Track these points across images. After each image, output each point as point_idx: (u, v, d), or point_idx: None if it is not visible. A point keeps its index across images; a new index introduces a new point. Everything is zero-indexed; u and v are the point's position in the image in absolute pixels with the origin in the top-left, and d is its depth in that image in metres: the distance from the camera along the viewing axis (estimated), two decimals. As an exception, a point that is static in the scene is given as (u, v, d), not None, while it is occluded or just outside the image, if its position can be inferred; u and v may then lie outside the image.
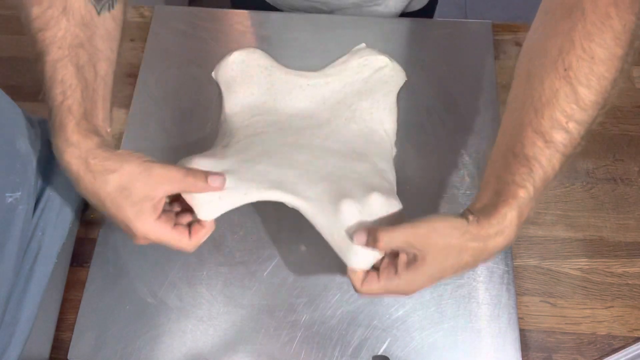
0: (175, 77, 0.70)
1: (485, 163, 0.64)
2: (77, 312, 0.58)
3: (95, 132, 0.48)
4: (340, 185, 0.50)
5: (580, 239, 0.62)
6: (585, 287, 0.59)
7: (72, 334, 0.57)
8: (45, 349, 0.56)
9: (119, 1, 0.52)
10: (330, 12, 0.80)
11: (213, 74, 0.70)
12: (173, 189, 0.46)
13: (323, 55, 0.72)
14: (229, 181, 0.47)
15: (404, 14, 0.83)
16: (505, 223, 0.44)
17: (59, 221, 0.54)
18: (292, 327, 0.56)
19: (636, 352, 0.56)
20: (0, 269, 0.46)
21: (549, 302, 0.59)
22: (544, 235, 0.62)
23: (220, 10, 0.77)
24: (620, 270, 0.60)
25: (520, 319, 0.57)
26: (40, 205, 0.52)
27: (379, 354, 0.55)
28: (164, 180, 0.45)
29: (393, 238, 0.44)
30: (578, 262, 0.61)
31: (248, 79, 0.68)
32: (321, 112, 0.65)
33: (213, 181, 0.46)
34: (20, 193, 0.48)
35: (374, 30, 0.74)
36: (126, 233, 0.47)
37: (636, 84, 0.71)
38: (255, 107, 0.66)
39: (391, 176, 0.59)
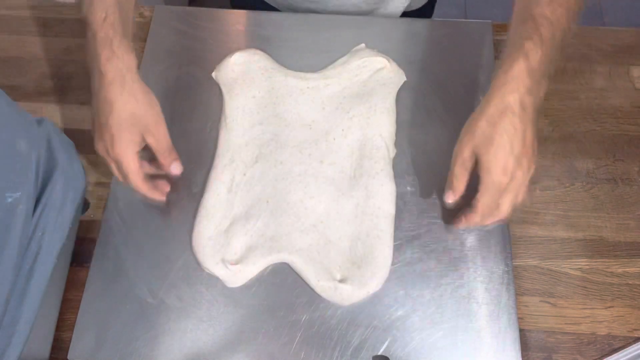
0: (175, 77, 0.70)
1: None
2: (77, 312, 0.58)
3: (133, 50, 0.56)
4: (326, 235, 0.59)
5: (580, 239, 0.62)
6: (585, 287, 0.59)
7: (72, 334, 0.57)
8: (45, 349, 0.56)
9: None
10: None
11: (213, 74, 0.70)
12: (156, 149, 0.57)
13: (323, 55, 0.72)
14: (242, 250, 0.59)
15: (403, 14, 0.83)
16: (513, 73, 0.50)
17: (59, 221, 0.54)
18: (292, 327, 0.56)
19: (636, 352, 0.56)
20: (0, 269, 0.46)
21: (549, 302, 0.59)
22: (544, 235, 0.62)
23: (220, 10, 0.77)
24: (620, 270, 0.60)
25: (520, 319, 0.57)
26: (40, 205, 0.52)
27: (379, 354, 0.55)
28: (161, 138, 0.57)
29: (457, 170, 0.54)
30: (578, 262, 0.61)
31: (249, 81, 0.68)
32: (320, 121, 0.66)
33: (173, 168, 0.59)
34: (20, 193, 0.48)
35: (374, 30, 0.74)
36: (98, 150, 0.55)
37: (636, 84, 0.71)
38: (256, 114, 0.66)
39: (387, 188, 0.61)
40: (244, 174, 0.63)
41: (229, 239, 0.59)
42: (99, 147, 0.56)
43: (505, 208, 0.52)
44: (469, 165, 0.53)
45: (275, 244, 0.59)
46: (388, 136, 0.64)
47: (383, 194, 0.60)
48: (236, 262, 0.58)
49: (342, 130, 0.65)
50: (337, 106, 0.67)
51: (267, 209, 0.61)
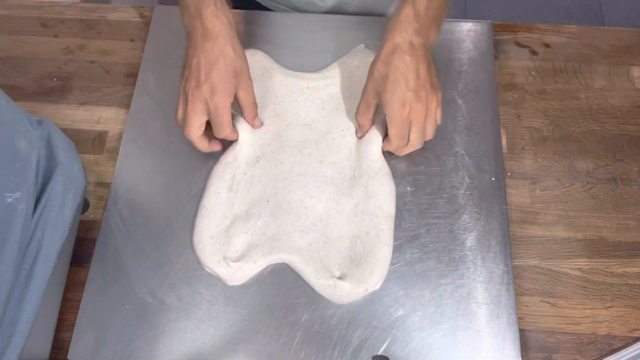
0: (175, 77, 0.70)
1: (486, 162, 0.64)
2: (77, 312, 0.58)
3: (230, 9, 0.62)
4: (325, 234, 0.60)
5: (580, 239, 0.62)
6: (585, 287, 0.59)
7: (72, 334, 0.57)
8: (45, 349, 0.56)
9: None
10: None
11: None
12: (244, 103, 0.62)
13: (323, 55, 0.72)
14: (243, 248, 0.59)
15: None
16: (400, 17, 0.57)
17: (59, 221, 0.54)
18: (292, 327, 0.56)
19: (636, 352, 0.56)
20: (0, 269, 0.46)
21: (549, 302, 0.59)
22: (544, 235, 0.62)
23: (220, 10, 0.77)
24: (620, 270, 0.60)
25: (520, 319, 0.57)
26: (40, 205, 0.52)
27: (379, 354, 0.55)
28: (250, 93, 0.62)
29: (362, 112, 0.62)
30: (578, 262, 0.61)
31: None
32: (320, 121, 0.66)
33: (257, 121, 0.65)
34: (20, 193, 0.48)
35: (374, 30, 0.73)
36: (194, 97, 0.58)
37: (636, 84, 0.71)
38: (258, 113, 0.66)
39: (387, 188, 0.62)
40: (245, 173, 0.63)
41: (229, 237, 0.59)
42: (195, 96, 0.58)
43: (414, 139, 0.59)
44: (372, 104, 0.60)
45: (276, 243, 0.59)
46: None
47: (383, 193, 0.60)
48: (237, 260, 0.58)
49: (342, 130, 0.65)
50: (336, 106, 0.67)
51: (267, 208, 0.61)
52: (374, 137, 0.63)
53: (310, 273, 0.57)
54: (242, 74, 0.60)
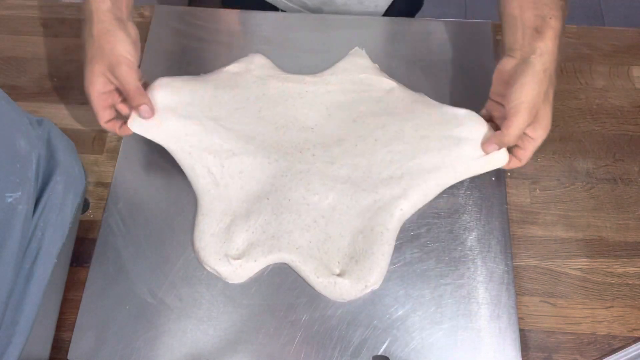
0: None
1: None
2: (77, 312, 0.58)
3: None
4: (326, 231, 0.60)
5: (580, 239, 0.62)
6: (585, 287, 0.59)
7: (72, 334, 0.57)
8: (45, 349, 0.56)
9: None
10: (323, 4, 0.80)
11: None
12: (122, 90, 0.59)
13: (323, 55, 0.71)
14: (243, 245, 0.59)
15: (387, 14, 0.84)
16: (547, 49, 0.55)
17: (59, 221, 0.54)
18: (292, 327, 0.56)
19: (636, 352, 0.56)
20: (0, 269, 0.46)
21: (549, 302, 0.59)
22: (544, 235, 0.62)
23: (220, 10, 0.77)
24: (620, 270, 0.60)
25: (520, 319, 0.57)
26: (40, 205, 0.52)
27: (379, 354, 0.55)
28: (124, 79, 0.58)
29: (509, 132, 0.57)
30: (578, 262, 0.61)
31: (243, 86, 0.67)
32: (326, 126, 0.65)
33: (142, 111, 0.60)
34: (20, 193, 0.48)
35: (374, 30, 0.74)
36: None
37: (636, 84, 0.71)
38: (237, 115, 0.65)
39: (424, 196, 0.61)
40: (222, 166, 0.62)
41: (230, 235, 0.59)
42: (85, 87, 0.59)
43: (527, 155, 0.58)
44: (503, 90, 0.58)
45: (276, 242, 0.59)
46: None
47: (415, 202, 0.60)
48: (238, 257, 0.58)
49: (375, 140, 0.63)
50: (354, 118, 0.65)
51: (267, 206, 0.61)
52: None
53: (310, 271, 0.58)
54: (111, 57, 0.58)
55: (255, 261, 0.58)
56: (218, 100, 0.65)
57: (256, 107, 0.66)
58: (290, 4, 0.85)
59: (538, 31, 0.56)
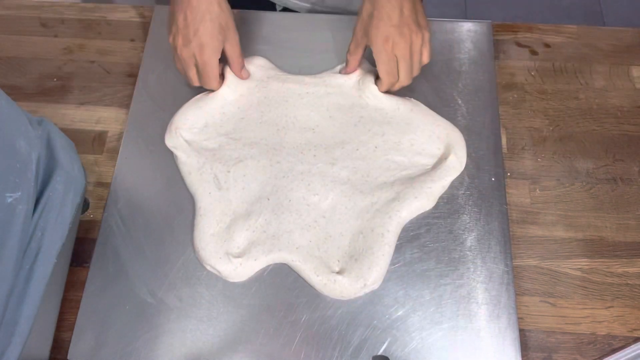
0: (175, 77, 0.70)
1: (485, 162, 0.64)
2: (77, 312, 0.58)
3: None
4: (327, 230, 0.60)
5: (580, 239, 0.62)
6: (585, 287, 0.59)
7: (72, 334, 0.57)
8: (45, 349, 0.56)
9: None
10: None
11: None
12: (231, 56, 0.66)
13: (323, 55, 0.72)
14: (244, 244, 0.59)
15: None
16: None
17: (58, 221, 0.54)
18: (292, 327, 0.56)
19: (636, 352, 0.56)
20: (0, 269, 0.46)
21: (548, 302, 0.59)
22: (544, 235, 0.62)
23: (220, 10, 0.77)
24: (620, 270, 0.60)
25: (520, 319, 0.57)
26: (40, 205, 0.52)
27: (379, 354, 0.55)
28: (236, 47, 0.65)
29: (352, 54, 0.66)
30: (578, 262, 0.61)
31: (246, 89, 0.69)
32: (328, 128, 0.66)
33: (244, 73, 0.68)
34: (20, 193, 0.48)
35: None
36: (182, 55, 0.63)
37: (636, 84, 0.71)
38: (239, 118, 0.67)
39: (420, 204, 0.62)
40: (228, 171, 0.63)
41: (231, 234, 0.59)
42: (184, 53, 0.62)
43: (402, 74, 0.62)
44: (361, 43, 0.64)
45: (277, 241, 0.59)
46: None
47: (411, 208, 0.60)
48: (239, 256, 0.58)
49: (361, 141, 0.65)
50: (355, 122, 0.66)
51: (268, 206, 0.61)
52: (366, 73, 0.67)
53: (310, 270, 0.58)
54: (228, 29, 0.63)
55: (255, 260, 0.58)
56: (227, 117, 0.67)
57: (258, 112, 0.67)
58: (300, 3, 0.84)
59: None
